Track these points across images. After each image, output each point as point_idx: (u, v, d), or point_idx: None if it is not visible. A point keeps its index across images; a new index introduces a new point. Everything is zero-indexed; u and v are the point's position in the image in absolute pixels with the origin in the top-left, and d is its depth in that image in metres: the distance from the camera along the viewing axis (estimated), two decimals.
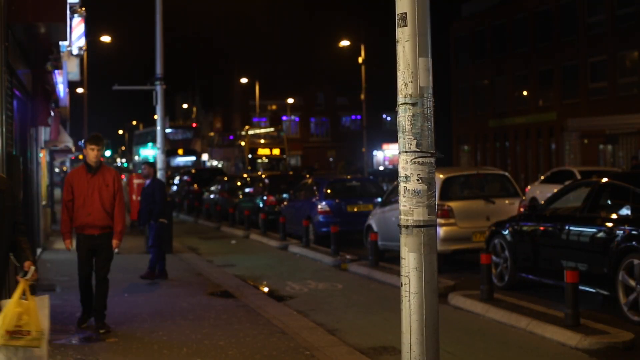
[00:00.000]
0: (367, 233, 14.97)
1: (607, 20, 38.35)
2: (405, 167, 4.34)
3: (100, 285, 8.62)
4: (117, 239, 8.62)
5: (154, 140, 54.78)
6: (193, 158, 56.48)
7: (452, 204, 13.14)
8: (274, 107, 72.50)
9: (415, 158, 4.30)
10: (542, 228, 10.55)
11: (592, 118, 38.49)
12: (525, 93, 45.42)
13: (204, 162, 61.32)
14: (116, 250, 8.80)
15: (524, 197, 14.64)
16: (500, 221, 11.69)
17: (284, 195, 22.77)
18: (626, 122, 36.18)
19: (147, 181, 13.53)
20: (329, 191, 18.87)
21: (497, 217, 12.49)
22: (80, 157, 33.45)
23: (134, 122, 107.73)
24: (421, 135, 4.31)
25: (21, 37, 10.16)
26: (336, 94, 75.39)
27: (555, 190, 10.83)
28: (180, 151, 57.35)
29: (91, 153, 8.51)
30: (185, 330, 8.49)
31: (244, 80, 66.61)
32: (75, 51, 17.09)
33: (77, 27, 15.87)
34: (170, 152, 53.07)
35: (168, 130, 57.17)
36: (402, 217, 4.36)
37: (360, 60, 43.40)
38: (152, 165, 13.77)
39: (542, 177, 25.22)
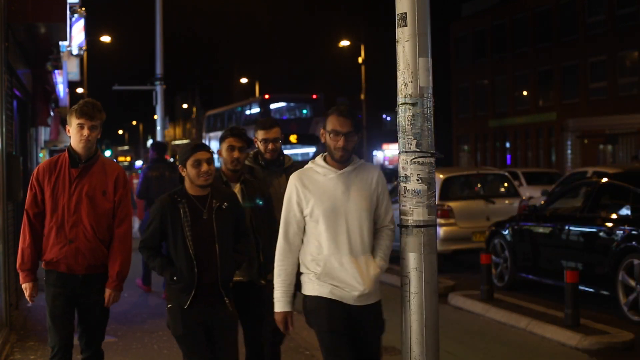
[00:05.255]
0: None
1: (607, 20, 38.35)
2: (405, 167, 4.33)
3: None
4: (112, 287, 5.01)
5: (234, 122, 41.78)
6: (312, 149, 36.59)
7: (452, 204, 13.14)
8: None
9: (415, 158, 4.29)
10: (542, 228, 10.55)
11: (592, 118, 38.48)
12: (525, 93, 45.42)
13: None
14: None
15: (524, 197, 14.68)
16: (500, 221, 11.70)
17: None
18: (626, 122, 36.18)
19: None
20: None
21: (497, 217, 12.50)
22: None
23: (134, 122, 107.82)
24: (421, 135, 4.30)
25: (21, 37, 10.16)
26: (336, 94, 75.45)
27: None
28: (292, 138, 35.88)
29: (79, 133, 4.78)
30: None
31: (244, 80, 66.69)
32: (75, 51, 17.10)
33: (76, 27, 15.88)
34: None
35: (273, 106, 39.96)
36: (402, 217, 4.36)
37: (360, 60, 43.43)
38: None
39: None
